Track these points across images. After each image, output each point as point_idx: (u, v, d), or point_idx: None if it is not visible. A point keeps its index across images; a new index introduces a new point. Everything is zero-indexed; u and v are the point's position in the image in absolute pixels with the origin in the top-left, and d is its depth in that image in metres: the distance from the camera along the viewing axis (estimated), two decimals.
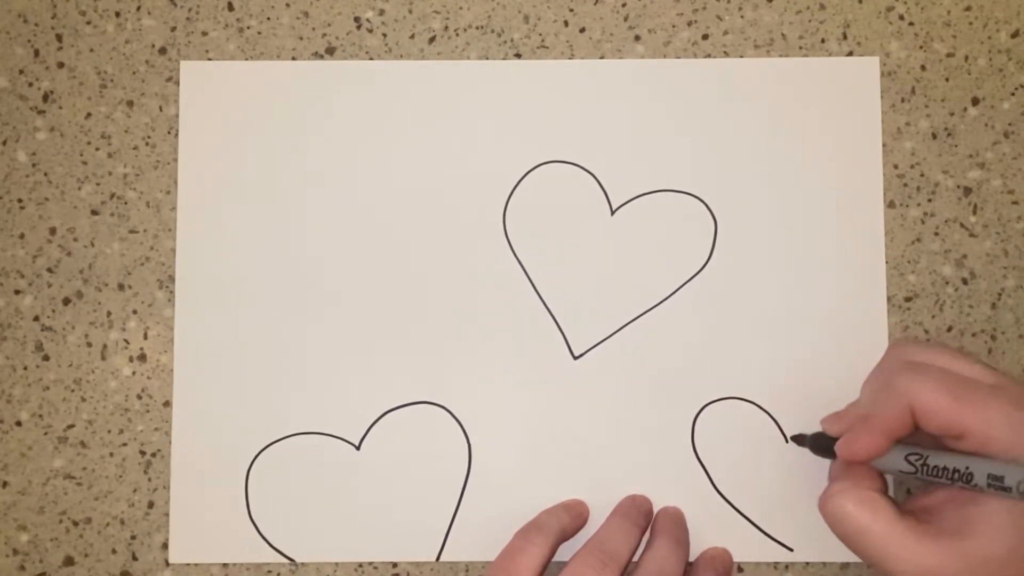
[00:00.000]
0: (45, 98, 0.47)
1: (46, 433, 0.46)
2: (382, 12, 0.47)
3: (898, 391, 0.37)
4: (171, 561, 0.45)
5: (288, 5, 0.47)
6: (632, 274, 0.46)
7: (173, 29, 0.47)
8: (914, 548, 0.36)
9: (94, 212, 0.46)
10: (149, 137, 0.47)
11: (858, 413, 0.39)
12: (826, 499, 0.38)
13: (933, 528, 0.37)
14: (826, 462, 0.42)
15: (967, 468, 0.36)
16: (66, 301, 0.46)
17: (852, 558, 0.45)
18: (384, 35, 0.47)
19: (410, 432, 0.45)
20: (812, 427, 0.45)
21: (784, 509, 0.45)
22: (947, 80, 0.47)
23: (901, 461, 0.38)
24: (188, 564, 0.45)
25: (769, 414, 0.45)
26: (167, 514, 0.45)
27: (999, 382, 0.37)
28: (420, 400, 0.45)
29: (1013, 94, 0.47)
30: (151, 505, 0.45)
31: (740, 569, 0.45)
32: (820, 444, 0.41)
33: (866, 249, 0.46)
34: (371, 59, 0.47)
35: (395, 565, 0.45)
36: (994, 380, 0.37)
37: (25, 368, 0.46)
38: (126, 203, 0.46)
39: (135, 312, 0.46)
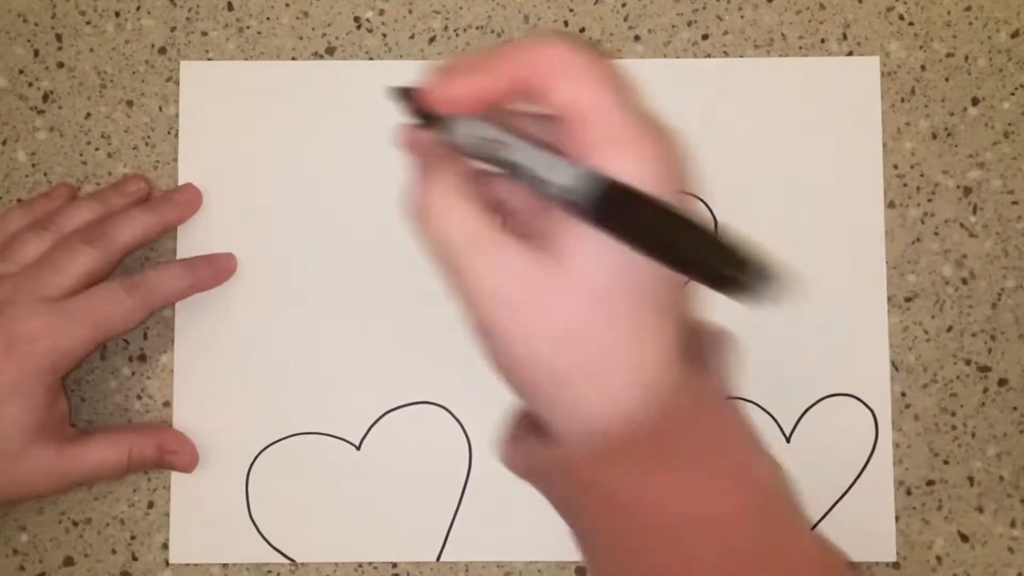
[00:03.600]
0: (45, 98, 0.47)
1: None
2: (382, 12, 0.47)
3: (527, 47, 0.30)
4: (171, 561, 0.45)
5: (288, 5, 0.47)
6: None
7: (173, 29, 0.47)
8: (497, 248, 0.29)
9: None
10: (149, 137, 0.47)
11: (461, 60, 0.31)
12: (414, 200, 0.31)
13: (519, 238, 0.30)
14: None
15: (534, 169, 0.29)
16: None
17: (852, 557, 0.45)
18: (384, 35, 0.47)
19: (410, 432, 0.45)
20: (813, 426, 0.45)
21: None
22: (947, 80, 0.47)
23: (475, 140, 0.30)
24: (188, 564, 0.45)
25: (769, 414, 0.45)
26: (167, 514, 0.45)
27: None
28: (420, 400, 0.45)
29: (1013, 94, 0.47)
30: (151, 505, 0.45)
31: None
32: (410, 101, 0.32)
33: (866, 249, 0.46)
34: (371, 59, 0.47)
35: (395, 565, 0.45)
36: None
37: None
38: None
39: None
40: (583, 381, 0.29)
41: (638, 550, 0.29)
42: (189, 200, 0.45)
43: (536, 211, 0.31)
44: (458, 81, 0.30)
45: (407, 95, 0.33)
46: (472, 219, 0.30)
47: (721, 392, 0.31)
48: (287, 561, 0.45)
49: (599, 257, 0.29)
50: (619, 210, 0.27)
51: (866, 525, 0.45)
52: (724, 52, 0.47)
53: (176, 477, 0.45)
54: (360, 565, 0.45)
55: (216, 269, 0.45)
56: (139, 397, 0.46)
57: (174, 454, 0.44)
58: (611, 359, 0.29)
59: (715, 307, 0.46)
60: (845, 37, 0.47)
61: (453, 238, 0.30)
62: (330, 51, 0.47)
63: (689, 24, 0.47)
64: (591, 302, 0.29)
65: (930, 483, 0.45)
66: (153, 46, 0.47)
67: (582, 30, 0.47)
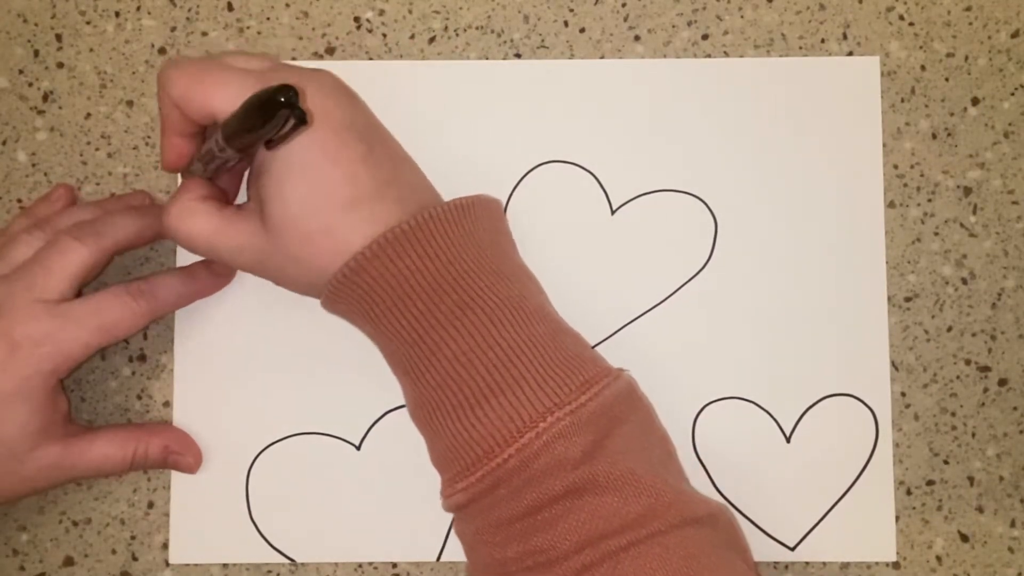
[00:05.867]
0: (45, 98, 0.47)
1: None
2: (382, 12, 0.47)
3: (158, 89, 0.39)
4: (171, 561, 0.45)
5: (288, 5, 0.47)
6: (632, 274, 0.46)
7: (173, 29, 0.47)
8: (229, 234, 0.39)
9: None
10: (149, 137, 0.47)
11: None
12: (164, 223, 0.40)
13: (243, 212, 0.40)
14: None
15: (208, 148, 0.39)
16: None
17: (852, 558, 0.45)
18: (384, 35, 0.47)
19: (410, 432, 0.45)
20: (813, 426, 0.45)
21: (784, 509, 0.45)
22: (947, 80, 0.47)
23: (198, 165, 0.41)
24: (188, 564, 0.45)
25: (769, 414, 0.45)
26: (167, 514, 0.45)
27: (264, 66, 0.40)
28: None
29: (1013, 94, 0.47)
30: (151, 505, 0.45)
31: None
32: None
33: (866, 249, 0.46)
34: (371, 59, 0.47)
35: (395, 565, 0.45)
36: (262, 66, 0.40)
37: None
38: None
39: None
40: (319, 275, 0.39)
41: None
42: None
43: (254, 179, 0.40)
44: (162, 151, 0.41)
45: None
46: (199, 219, 0.40)
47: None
48: (287, 561, 0.45)
49: (282, 192, 0.38)
50: (227, 126, 0.36)
51: (866, 525, 0.45)
52: (724, 52, 0.47)
53: (176, 477, 0.45)
54: (360, 565, 0.45)
55: (217, 276, 0.45)
56: (139, 397, 0.46)
57: (179, 455, 0.44)
58: (314, 257, 0.39)
59: (716, 307, 0.46)
60: (845, 37, 0.47)
61: (194, 241, 0.40)
62: (330, 51, 0.47)
63: (689, 24, 0.47)
64: (289, 231, 0.38)
65: (930, 483, 0.45)
66: (153, 46, 0.47)
67: (582, 30, 0.47)
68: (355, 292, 0.38)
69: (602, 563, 0.35)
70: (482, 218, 0.40)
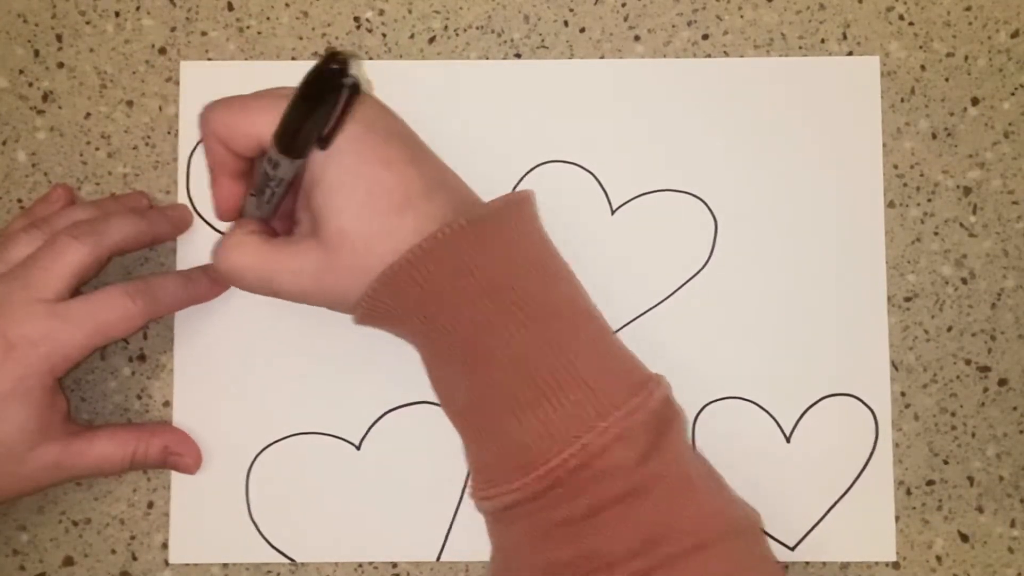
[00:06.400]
0: (45, 98, 0.47)
1: None
2: (382, 12, 0.47)
3: (202, 132, 0.40)
4: (171, 561, 0.45)
5: (288, 5, 0.47)
6: (632, 274, 0.46)
7: (173, 29, 0.47)
8: (285, 261, 0.39)
9: None
10: (148, 137, 0.47)
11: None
12: (214, 263, 0.41)
13: (296, 236, 0.40)
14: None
15: (263, 171, 0.39)
16: None
17: (852, 558, 0.45)
18: (384, 35, 0.47)
19: (410, 432, 0.45)
20: (813, 426, 0.45)
21: (784, 509, 0.45)
22: (947, 80, 0.47)
23: (252, 201, 0.41)
24: (188, 564, 0.45)
25: (769, 413, 0.45)
26: (167, 514, 0.45)
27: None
28: (420, 400, 0.45)
29: (1013, 94, 0.47)
30: (151, 505, 0.45)
31: None
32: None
33: (866, 249, 0.46)
34: (371, 59, 0.47)
35: (395, 565, 0.45)
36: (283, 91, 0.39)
37: None
38: None
39: None
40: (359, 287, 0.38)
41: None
42: (182, 218, 0.46)
43: (303, 204, 0.40)
44: (214, 200, 0.42)
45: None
46: (249, 253, 0.40)
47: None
48: (287, 561, 0.45)
49: (338, 202, 0.38)
50: (281, 131, 0.37)
51: (866, 525, 0.45)
52: (724, 52, 0.47)
53: (176, 477, 0.45)
54: (360, 565, 0.45)
55: (215, 282, 0.45)
56: (139, 397, 0.46)
57: (178, 455, 0.44)
58: (373, 262, 0.38)
59: (715, 307, 0.46)
60: (845, 37, 0.47)
61: (246, 276, 0.40)
62: None
63: (689, 24, 0.47)
64: (349, 240, 0.38)
65: (930, 483, 0.45)
66: (153, 46, 0.47)
67: (582, 30, 0.47)
68: (410, 285, 0.37)
69: (657, 569, 0.35)
70: (531, 216, 0.40)
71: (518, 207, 0.39)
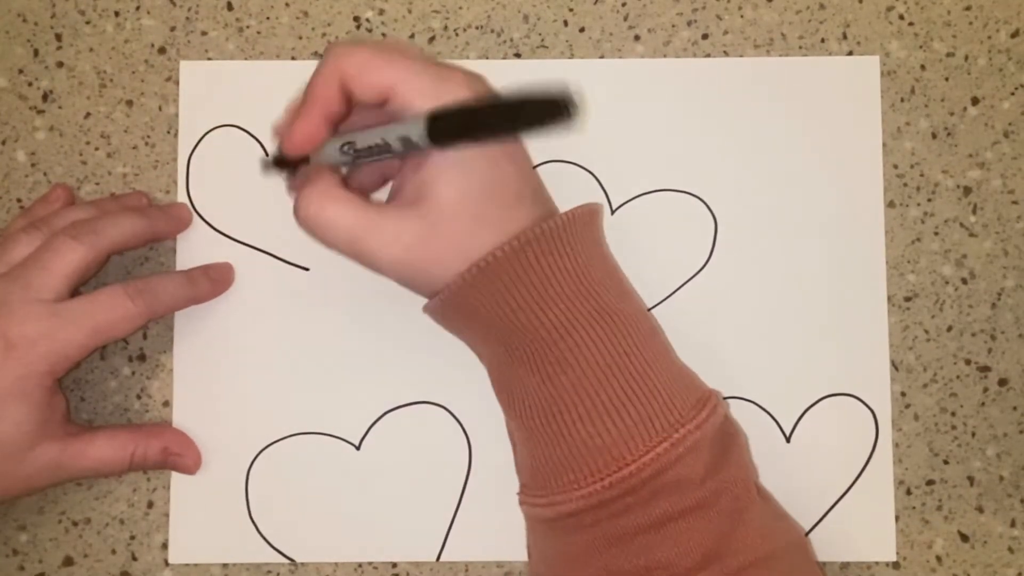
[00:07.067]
0: (45, 98, 0.47)
1: None
2: (382, 12, 0.47)
3: (326, 64, 0.37)
4: (171, 561, 0.45)
5: (288, 5, 0.47)
6: (632, 274, 0.46)
7: (172, 29, 0.47)
8: (382, 224, 0.37)
9: None
10: (149, 137, 0.47)
11: (293, 107, 0.39)
12: (296, 211, 0.38)
13: (397, 203, 0.38)
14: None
15: (383, 140, 0.37)
16: None
17: (852, 558, 0.45)
18: (384, 35, 0.47)
19: (410, 432, 0.45)
20: (813, 426, 0.45)
21: (784, 509, 0.45)
22: (947, 80, 0.47)
23: (337, 154, 0.38)
24: (188, 564, 0.45)
25: (769, 413, 0.45)
26: (167, 514, 0.45)
27: (427, 57, 0.38)
28: (420, 400, 0.45)
29: (1013, 94, 0.47)
30: (151, 505, 0.45)
31: None
32: (280, 161, 0.40)
33: (866, 249, 0.46)
34: None
35: (395, 565, 0.45)
36: (425, 57, 0.38)
37: None
38: None
39: None
40: (449, 271, 0.37)
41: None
42: (181, 216, 0.46)
43: (410, 173, 0.38)
44: (295, 130, 0.38)
45: (273, 160, 0.41)
46: (345, 208, 0.37)
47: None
48: (287, 561, 0.45)
49: (455, 180, 0.37)
50: (444, 126, 0.35)
51: (866, 525, 0.45)
52: (724, 52, 0.47)
53: (176, 477, 0.45)
54: (360, 565, 0.45)
55: (215, 282, 0.45)
56: (139, 397, 0.46)
57: (177, 456, 0.44)
58: (473, 247, 0.37)
59: (715, 307, 0.46)
60: (845, 37, 0.47)
61: (337, 231, 0.37)
62: None
63: (689, 24, 0.47)
64: (457, 218, 0.37)
65: (930, 483, 0.45)
66: (153, 46, 0.47)
67: (582, 30, 0.47)
68: (498, 281, 0.37)
69: None
70: (601, 227, 0.41)
71: (593, 217, 0.39)
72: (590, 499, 0.36)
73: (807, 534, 0.45)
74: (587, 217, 0.39)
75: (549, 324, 0.37)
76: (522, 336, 0.38)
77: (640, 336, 0.38)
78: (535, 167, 0.46)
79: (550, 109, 0.33)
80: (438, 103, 0.36)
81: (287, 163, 0.40)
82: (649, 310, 0.46)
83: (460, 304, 0.38)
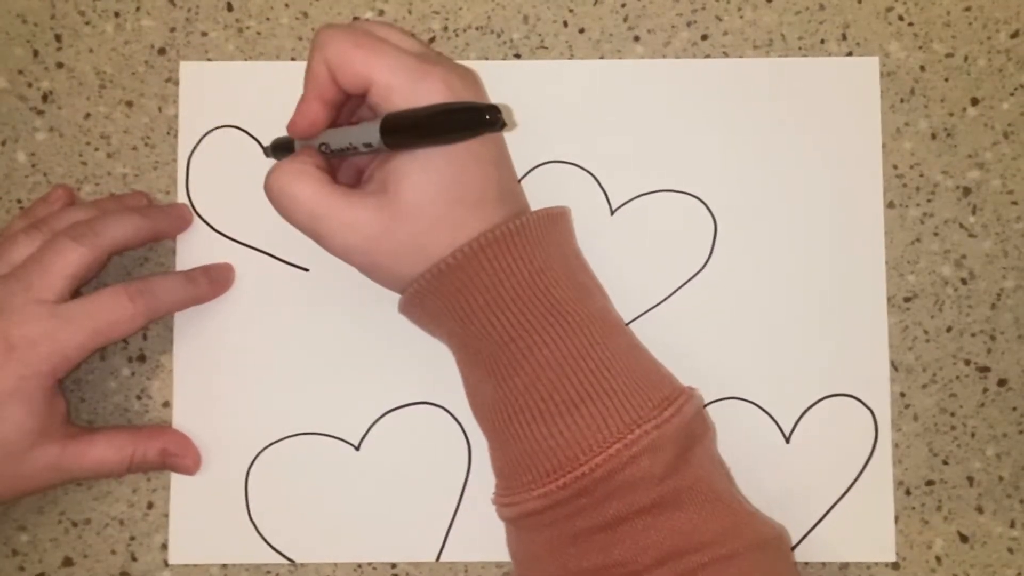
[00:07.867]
0: (44, 98, 0.47)
1: None
2: (381, 12, 0.47)
3: (313, 50, 0.38)
4: (170, 562, 0.45)
5: (287, 5, 0.47)
6: (632, 274, 0.46)
7: (172, 30, 0.47)
8: (341, 208, 0.38)
9: None
10: (149, 137, 0.47)
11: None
12: (265, 182, 0.39)
13: (362, 191, 0.39)
14: None
15: (350, 143, 0.39)
16: None
17: (852, 558, 0.45)
18: None
19: (410, 432, 0.45)
20: (812, 427, 0.45)
21: (783, 509, 0.44)
22: (947, 80, 0.47)
23: (329, 134, 0.40)
24: (187, 565, 0.45)
25: (769, 414, 0.45)
26: (166, 514, 0.45)
27: (416, 48, 0.39)
28: (420, 400, 0.45)
29: (1013, 94, 0.47)
30: (150, 506, 0.45)
31: None
32: (279, 146, 0.43)
33: (866, 249, 0.46)
34: None
35: (394, 565, 0.45)
36: (414, 47, 0.39)
37: None
38: None
39: None
40: (415, 267, 0.38)
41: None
42: (181, 216, 0.46)
43: (379, 163, 0.39)
44: (296, 113, 0.39)
45: (272, 147, 0.44)
46: (310, 186, 0.38)
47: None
48: (287, 561, 0.45)
49: (416, 178, 0.37)
50: (394, 131, 0.37)
51: (866, 525, 0.45)
52: (724, 52, 0.47)
53: (176, 477, 0.45)
54: (360, 565, 0.45)
55: (215, 283, 0.45)
56: (139, 397, 0.46)
57: (177, 458, 0.44)
58: (431, 246, 0.38)
59: (715, 307, 0.46)
60: (845, 37, 0.47)
61: (298, 207, 0.38)
62: None
63: (689, 24, 0.47)
64: (416, 217, 0.38)
65: (929, 483, 0.45)
66: (152, 46, 0.47)
67: (582, 31, 0.47)
68: (451, 286, 0.38)
69: None
70: (566, 230, 0.41)
71: (554, 220, 0.40)
72: (546, 499, 0.36)
73: (807, 534, 0.45)
74: (547, 220, 0.39)
75: (501, 328, 0.37)
76: (477, 340, 0.38)
77: (597, 336, 0.38)
78: (534, 168, 0.46)
79: (480, 118, 0.35)
80: (413, 102, 0.37)
81: (285, 150, 0.42)
82: (648, 311, 0.46)
83: (420, 307, 0.39)
